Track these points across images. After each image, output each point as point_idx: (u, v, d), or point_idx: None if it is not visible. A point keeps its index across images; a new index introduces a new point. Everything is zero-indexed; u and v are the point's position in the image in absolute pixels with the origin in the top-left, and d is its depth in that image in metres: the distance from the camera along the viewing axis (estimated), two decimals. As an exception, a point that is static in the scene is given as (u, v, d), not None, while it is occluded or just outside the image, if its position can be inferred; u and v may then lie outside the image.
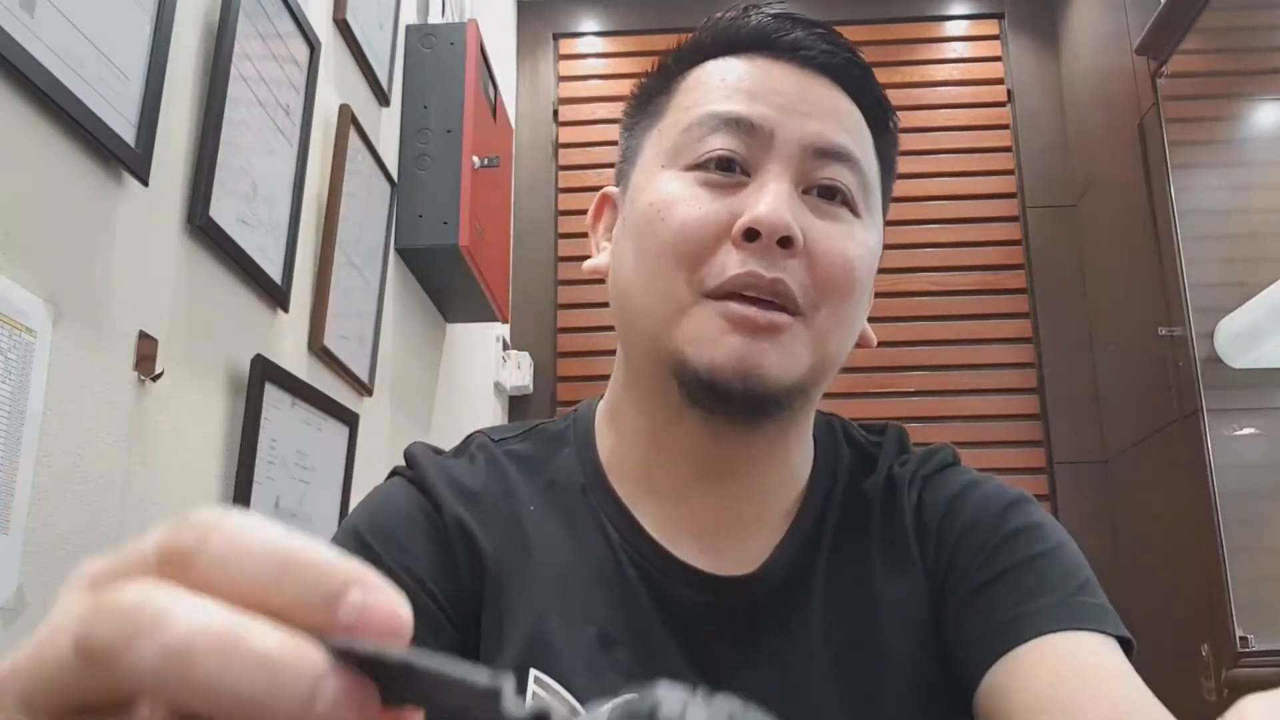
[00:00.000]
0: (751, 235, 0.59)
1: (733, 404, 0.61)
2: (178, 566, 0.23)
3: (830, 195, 0.64)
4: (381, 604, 0.23)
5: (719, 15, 0.69)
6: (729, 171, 0.63)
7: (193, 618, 0.21)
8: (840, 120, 0.65)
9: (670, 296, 0.61)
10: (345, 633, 0.23)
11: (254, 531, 0.23)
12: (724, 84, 0.65)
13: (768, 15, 0.67)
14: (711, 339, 0.60)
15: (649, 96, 0.71)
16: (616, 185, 0.73)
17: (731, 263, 0.60)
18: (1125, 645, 0.60)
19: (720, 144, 0.63)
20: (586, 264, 0.72)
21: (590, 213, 0.75)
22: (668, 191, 0.63)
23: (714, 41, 0.68)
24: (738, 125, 0.63)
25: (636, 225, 0.65)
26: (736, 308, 0.59)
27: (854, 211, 0.64)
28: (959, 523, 0.66)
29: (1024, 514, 0.66)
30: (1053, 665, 0.57)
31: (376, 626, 0.23)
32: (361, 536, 0.63)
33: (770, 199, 0.60)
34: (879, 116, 0.68)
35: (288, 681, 0.21)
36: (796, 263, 0.61)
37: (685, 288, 0.61)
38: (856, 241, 0.63)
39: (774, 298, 0.60)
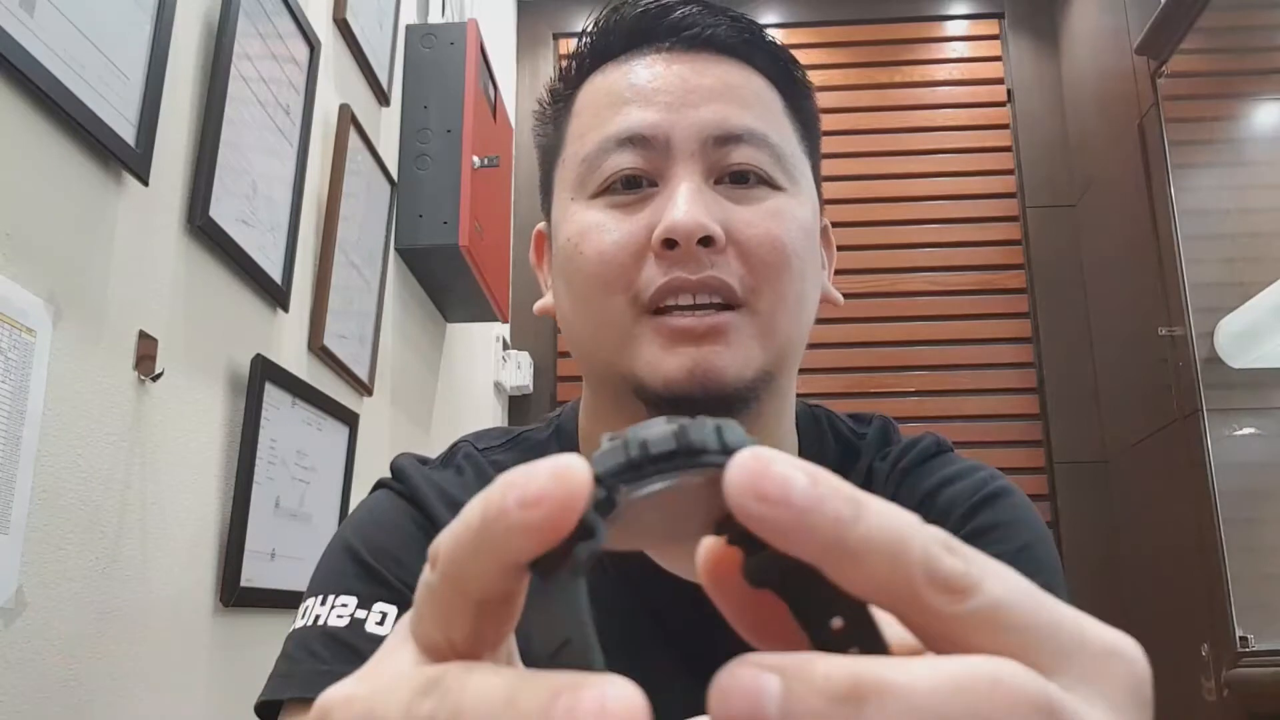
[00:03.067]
0: (670, 244, 0.58)
1: (698, 412, 0.60)
2: None
3: (743, 179, 0.62)
4: (540, 469, 0.21)
5: (592, 24, 0.68)
6: (636, 188, 0.62)
7: None
8: (737, 97, 0.63)
9: (609, 322, 0.61)
10: (529, 510, 0.21)
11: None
12: (609, 98, 0.64)
13: (635, 10, 0.65)
14: (658, 357, 0.59)
15: (547, 125, 0.70)
16: (544, 220, 0.72)
17: (658, 274, 0.59)
18: None
19: (620, 163, 0.62)
20: (536, 305, 0.72)
21: (532, 252, 0.74)
22: (580, 223, 0.62)
23: (594, 52, 0.67)
24: (631, 142, 0.62)
25: (561, 263, 0.64)
26: (674, 321, 0.59)
27: (773, 185, 0.63)
28: (929, 520, 0.65)
29: (994, 511, 0.64)
30: None
31: (551, 484, 0.21)
32: (358, 553, 0.62)
33: (681, 203, 0.59)
34: (781, 73, 0.66)
35: None
36: (725, 257, 0.59)
37: (623, 309, 0.60)
38: (783, 217, 0.62)
39: (709, 295, 0.59)
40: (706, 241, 0.58)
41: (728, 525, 0.24)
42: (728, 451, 0.22)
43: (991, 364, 2.80)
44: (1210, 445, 2.14)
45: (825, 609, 0.23)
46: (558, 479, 0.21)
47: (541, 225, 0.73)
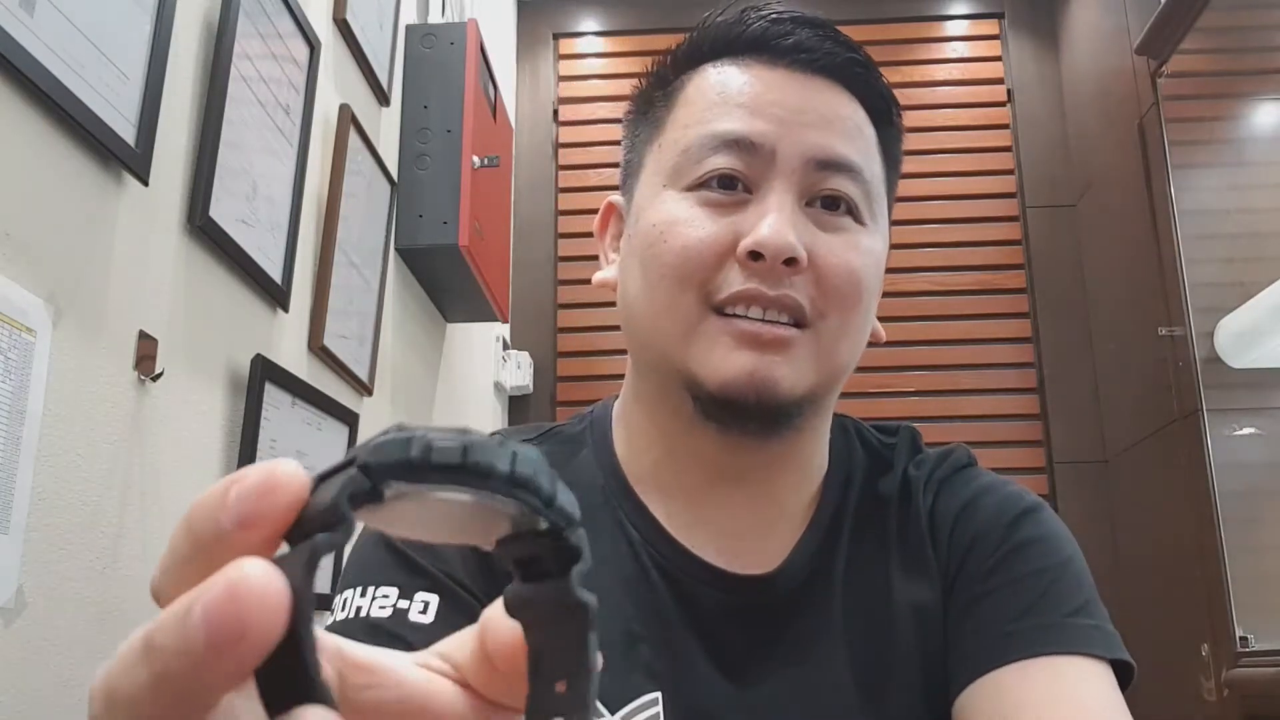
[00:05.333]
0: (756, 256, 0.60)
1: (746, 417, 0.62)
2: None
3: (834, 205, 0.64)
4: (248, 482, 0.21)
5: (716, 16, 0.68)
6: (731, 190, 0.63)
7: None
8: (843, 127, 0.65)
9: (678, 314, 0.62)
10: (248, 531, 0.21)
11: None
12: (722, 98, 0.65)
13: (765, 18, 0.66)
14: (721, 356, 0.60)
15: (648, 105, 0.71)
16: (620, 193, 0.72)
17: (736, 279, 0.61)
18: (1125, 669, 0.60)
19: (721, 163, 0.63)
20: (595, 277, 0.72)
21: (597, 223, 0.75)
22: (670, 213, 0.63)
23: (711, 46, 0.68)
24: (738, 145, 0.63)
25: (640, 246, 0.65)
26: (743, 325, 0.60)
27: (858, 219, 0.65)
28: (969, 530, 0.66)
29: (1034, 525, 0.66)
30: (1032, 688, 0.57)
31: (260, 496, 0.21)
32: (393, 545, 0.62)
33: (773, 219, 0.60)
34: (882, 112, 0.68)
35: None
36: (802, 278, 0.61)
37: (693, 304, 0.62)
38: (862, 251, 0.64)
39: (781, 313, 0.61)
40: (790, 262, 0.60)
41: (509, 545, 0.23)
42: (514, 481, 0.22)
43: (991, 364, 2.80)
44: (1210, 445, 2.14)
45: (558, 668, 0.23)
46: (267, 487, 0.21)
47: (614, 198, 0.73)
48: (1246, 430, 2.22)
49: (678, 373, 0.63)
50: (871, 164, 0.66)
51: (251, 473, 0.21)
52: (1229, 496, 2.11)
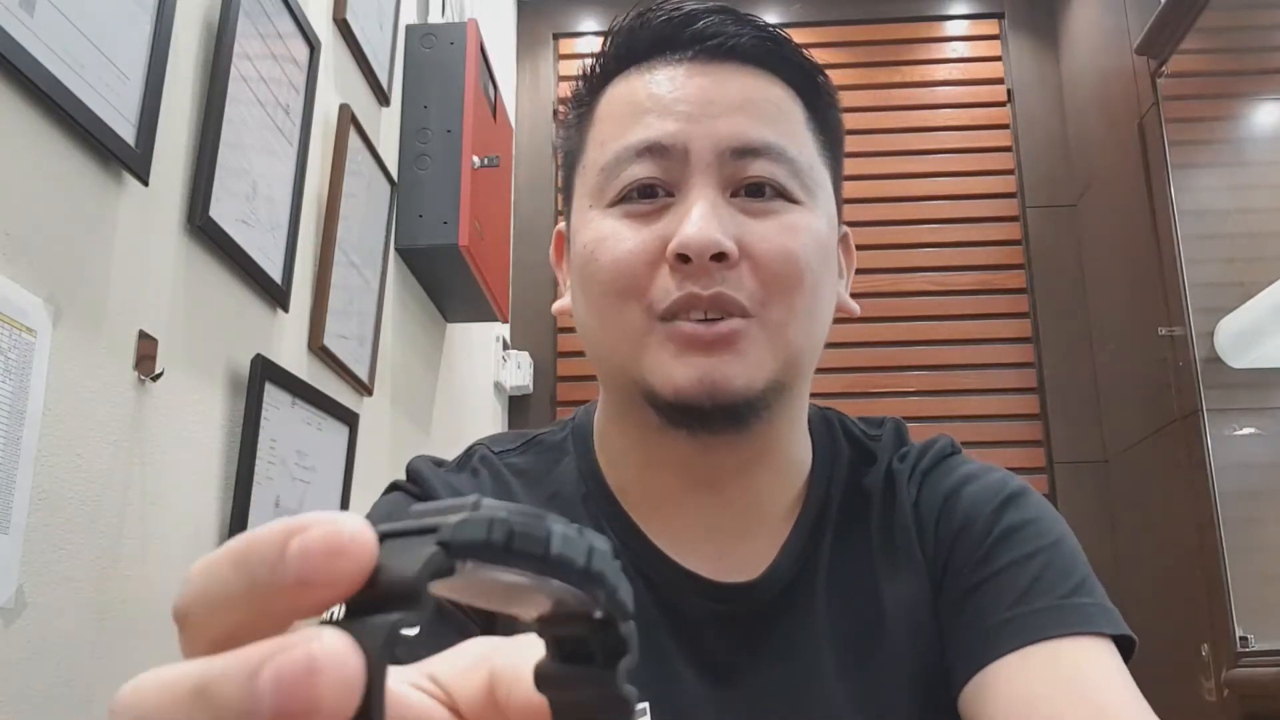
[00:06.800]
0: (684, 258, 0.59)
1: (709, 420, 0.61)
2: None
3: (760, 191, 0.62)
4: (314, 535, 0.19)
5: (616, 26, 0.68)
6: (652, 197, 0.62)
7: None
8: (757, 110, 0.63)
9: (624, 328, 0.62)
10: (307, 589, 0.19)
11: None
12: (630, 107, 0.64)
13: (661, 17, 0.65)
14: (669, 364, 0.60)
15: (570, 130, 0.70)
16: (564, 221, 0.73)
17: (671, 286, 0.60)
18: (1126, 643, 0.60)
19: (638, 173, 0.62)
20: (555, 305, 0.72)
21: (552, 252, 0.74)
22: (597, 231, 0.63)
23: (616, 57, 0.67)
24: (650, 151, 0.62)
25: (578, 267, 0.65)
26: (684, 328, 0.59)
27: (791, 199, 0.63)
28: (955, 519, 0.66)
29: (1020, 509, 0.65)
30: (1036, 674, 0.57)
31: (326, 557, 0.19)
32: None
33: (695, 218, 0.59)
34: (805, 82, 0.66)
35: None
36: (737, 271, 0.60)
37: (637, 316, 0.61)
38: (797, 231, 0.62)
39: (720, 312, 0.59)
40: (720, 256, 0.59)
41: (551, 623, 0.23)
42: (589, 576, 0.22)
43: (991, 364, 2.80)
44: (1210, 445, 2.14)
45: None
46: (338, 553, 0.19)
47: (562, 226, 0.73)
48: (1246, 430, 2.22)
49: (635, 385, 0.62)
50: (798, 141, 0.64)
51: (314, 528, 0.20)
52: (1229, 496, 2.11)
